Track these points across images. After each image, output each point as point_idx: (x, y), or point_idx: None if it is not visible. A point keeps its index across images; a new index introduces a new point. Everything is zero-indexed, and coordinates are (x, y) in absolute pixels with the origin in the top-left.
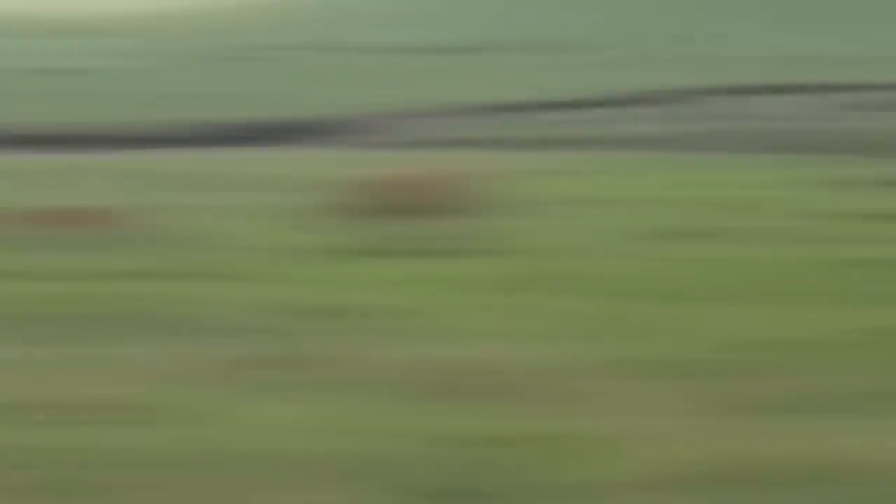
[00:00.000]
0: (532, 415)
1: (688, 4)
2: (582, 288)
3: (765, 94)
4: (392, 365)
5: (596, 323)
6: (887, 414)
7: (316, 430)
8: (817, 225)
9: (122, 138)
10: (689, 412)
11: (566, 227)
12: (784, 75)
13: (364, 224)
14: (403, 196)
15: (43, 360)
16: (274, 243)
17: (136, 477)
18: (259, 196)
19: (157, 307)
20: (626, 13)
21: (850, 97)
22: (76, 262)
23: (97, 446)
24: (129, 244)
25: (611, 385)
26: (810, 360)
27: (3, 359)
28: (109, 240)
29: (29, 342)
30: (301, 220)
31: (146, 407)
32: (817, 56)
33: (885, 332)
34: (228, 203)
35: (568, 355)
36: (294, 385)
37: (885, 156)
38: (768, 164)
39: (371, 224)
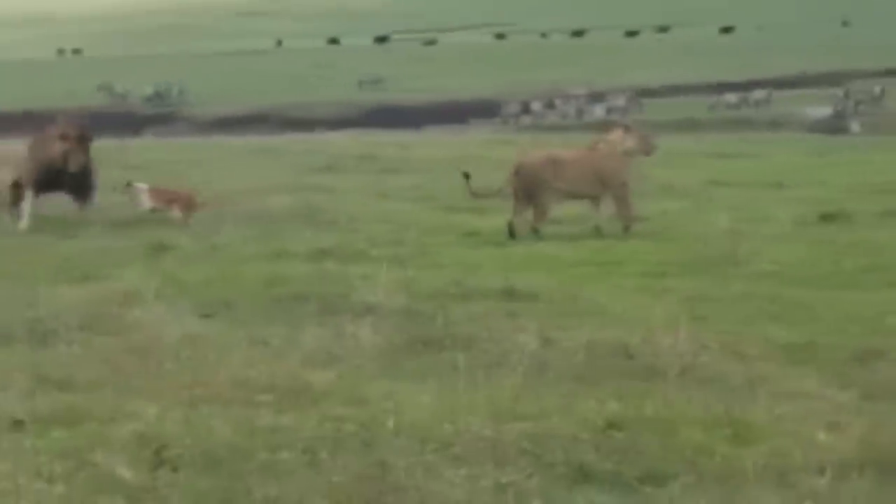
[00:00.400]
0: (695, 399)
1: None
2: (746, 273)
3: None
4: (551, 347)
5: (760, 306)
6: None
7: (475, 412)
8: None
9: (296, 120)
10: (855, 398)
11: (731, 210)
12: None
13: (523, 206)
14: (564, 178)
15: (217, 340)
16: (436, 225)
17: (298, 457)
18: (420, 177)
19: (319, 288)
20: None
21: None
22: (246, 244)
23: (262, 425)
24: (286, 225)
25: (776, 369)
26: None
27: (181, 337)
28: (262, 220)
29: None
30: (462, 201)
31: (310, 388)
32: None
33: None
34: (390, 184)
35: (732, 339)
36: (453, 367)
37: None
38: None
39: (529, 206)
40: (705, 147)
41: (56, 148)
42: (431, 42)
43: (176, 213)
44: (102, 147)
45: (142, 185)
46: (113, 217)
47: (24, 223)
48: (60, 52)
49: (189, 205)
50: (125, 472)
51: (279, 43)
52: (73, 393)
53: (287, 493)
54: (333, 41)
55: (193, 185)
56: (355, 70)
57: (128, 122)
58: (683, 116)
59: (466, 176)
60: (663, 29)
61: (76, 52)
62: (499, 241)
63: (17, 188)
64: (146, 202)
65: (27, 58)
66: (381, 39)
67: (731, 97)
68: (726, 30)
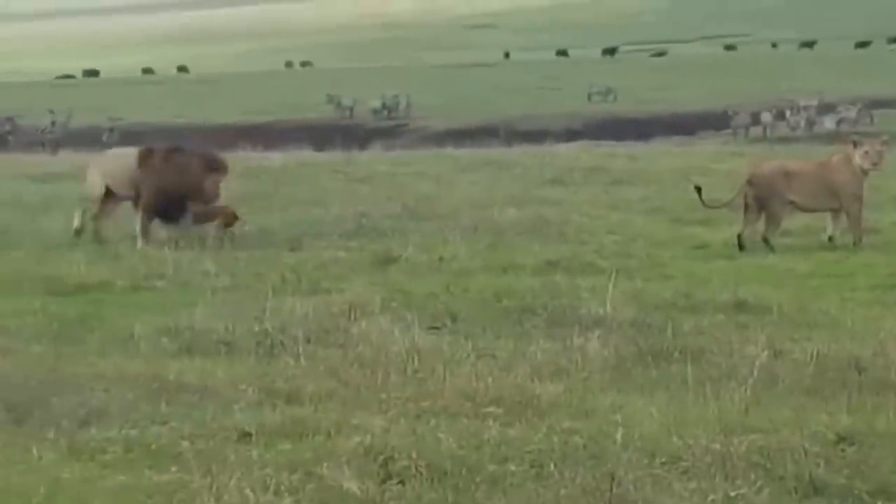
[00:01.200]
0: None
1: None
2: None
3: None
4: (781, 360)
5: None
6: None
7: (704, 424)
8: None
9: (525, 132)
10: None
11: None
12: None
13: (753, 217)
14: (796, 190)
15: (444, 353)
16: (665, 237)
17: (526, 470)
18: (649, 189)
19: (548, 301)
20: None
21: None
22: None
23: (489, 438)
24: (514, 237)
25: None
26: None
27: (407, 349)
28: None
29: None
30: (691, 213)
31: (538, 400)
32: None
33: None
34: (619, 196)
35: None
36: (682, 380)
37: None
38: None
39: (760, 217)
40: None
41: (209, 182)
42: (661, 53)
43: (217, 226)
44: (329, 159)
45: None
46: (340, 229)
47: (140, 241)
48: (288, 64)
49: (230, 220)
50: (352, 485)
51: (507, 55)
52: (299, 405)
53: None
54: (562, 53)
55: (421, 197)
56: (584, 82)
57: (355, 135)
58: None
59: (698, 189)
60: (895, 40)
61: (304, 64)
62: (728, 254)
63: (109, 196)
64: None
65: (256, 70)
66: (610, 51)
67: None
68: None
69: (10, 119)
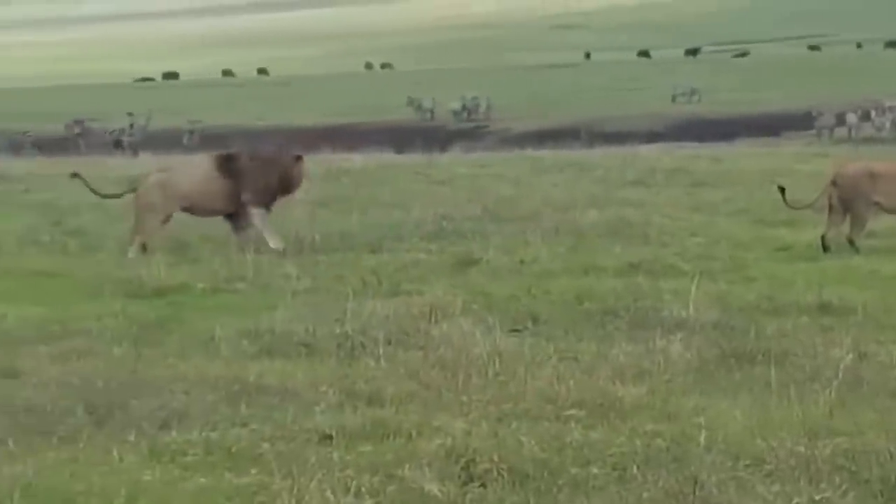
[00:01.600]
0: None
1: None
2: None
3: None
4: (866, 362)
5: None
6: None
7: (788, 427)
8: None
9: (606, 133)
10: None
11: None
12: None
13: (838, 218)
14: (881, 191)
15: (525, 355)
16: (748, 239)
17: (608, 472)
18: (732, 191)
19: (630, 303)
20: None
21: None
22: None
23: (571, 441)
24: (595, 239)
25: None
26: None
27: (489, 352)
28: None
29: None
30: (775, 214)
31: (620, 403)
32: None
33: None
34: (702, 198)
35: None
36: (765, 382)
37: None
38: None
39: (844, 218)
40: None
41: (296, 172)
42: (743, 54)
43: None
44: (410, 162)
45: None
46: (421, 231)
47: (274, 242)
48: (368, 66)
49: None
50: (433, 488)
51: (587, 56)
52: (380, 407)
53: None
54: (643, 54)
55: (502, 199)
56: (666, 83)
57: (435, 137)
58: None
59: (782, 190)
60: None
61: (385, 66)
62: (812, 256)
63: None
64: None
65: (336, 72)
66: (692, 52)
67: None
68: None
69: (79, 122)
